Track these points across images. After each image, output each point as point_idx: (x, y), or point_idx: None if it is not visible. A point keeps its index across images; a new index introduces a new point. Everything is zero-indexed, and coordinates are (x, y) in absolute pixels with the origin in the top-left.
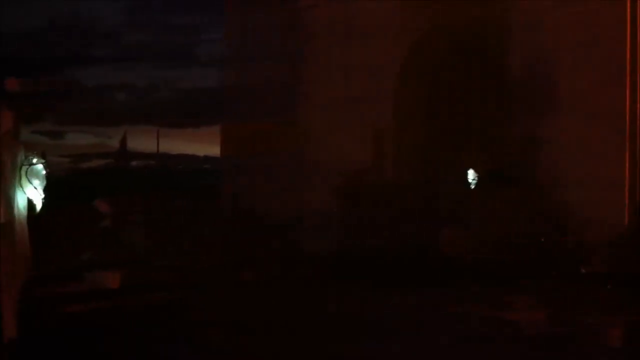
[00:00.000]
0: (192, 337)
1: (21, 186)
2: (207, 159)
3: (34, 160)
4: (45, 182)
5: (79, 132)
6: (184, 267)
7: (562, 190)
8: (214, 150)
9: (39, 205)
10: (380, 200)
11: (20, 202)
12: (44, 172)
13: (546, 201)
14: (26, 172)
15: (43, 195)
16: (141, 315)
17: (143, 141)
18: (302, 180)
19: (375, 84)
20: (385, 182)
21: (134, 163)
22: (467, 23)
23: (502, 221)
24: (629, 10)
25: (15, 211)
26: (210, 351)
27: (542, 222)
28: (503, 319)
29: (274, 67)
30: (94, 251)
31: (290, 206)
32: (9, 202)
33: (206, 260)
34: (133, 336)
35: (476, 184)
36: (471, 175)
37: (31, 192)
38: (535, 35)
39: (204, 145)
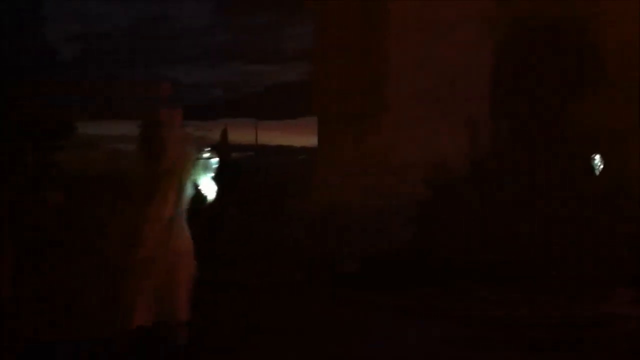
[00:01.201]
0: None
1: (194, 179)
2: (303, 149)
3: (207, 154)
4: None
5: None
6: (277, 260)
7: None
8: (310, 141)
9: (210, 197)
10: (473, 193)
11: (188, 195)
12: (215, 164)
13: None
14: (201, 166)
15: (216, 187)
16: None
17: (242, 134)
18: (394, 172)
19: (465, 75)
20: (478, 175)
21: (234, 155)
22: (560, 13)
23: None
24: None
25: (185, 204)
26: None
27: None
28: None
29: (363, 59)
30: None
31: (381, 199)
32: (181, 195)
33: (300, 252)
34: None
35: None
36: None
37: (206, 185)
38: (628, 26)
39: (299, 136)
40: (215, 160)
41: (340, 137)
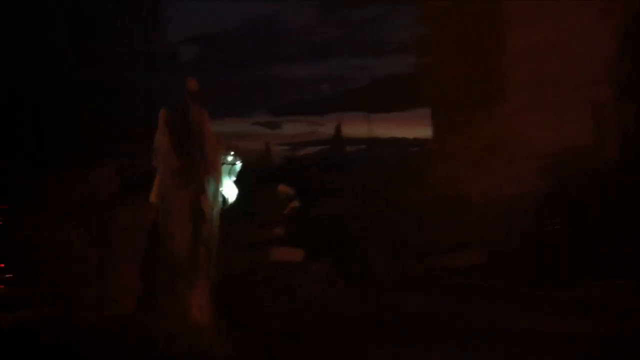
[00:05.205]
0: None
1: (222, 182)
2: (415, 141)
3: (230, 158)
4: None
5: (294, 122)
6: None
7: None
8: (422, 133)
9: (233, 198)
10: (594, 183)
11: (219, 196)
12: (239, 168)
13: None
14: (229, 171)
15: (237, 190)
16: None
17: (353, 127)
18: (510, 162)
19: (584, 60)
20: (601, 164)
21: (347, 149)
22: None
23: None
24: None
25: (218, 204)
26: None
27: None
28: None
29: (475, 49)
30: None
31: (497, 189)
32: (215, 196)
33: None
34: None
35: None
36: None
37: (228, 187)
38: None
39: (412, 128)
40: (238, 165)
41: (455, 127)
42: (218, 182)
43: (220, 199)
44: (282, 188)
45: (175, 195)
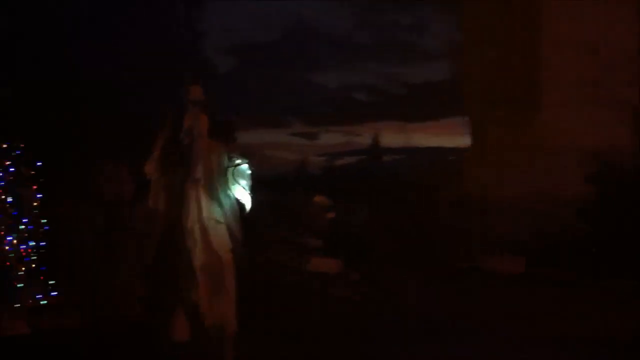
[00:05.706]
0: None
1: (229, 188)
2: (453, 150)
3: (238, 161)
4: (250, 181)
5: (330, 132)
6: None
7: None
8: (459, 141)
9: (248, 204)
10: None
11: (229, 202)
12: (249, 171)
13: None
14: (233, 174)
15: (251, 194)
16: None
17: (389, 137)
18: (547, 164)
19: (622, 61)
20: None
21: (384, 158)
22: None
23: None
24: None
25: (225, 212)
26: None
27: None
28: None
29: (509, 53)
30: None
31: (533, 191)
32: (219, 204)
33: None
34: None
35: None
36: None
37: (240, 192)
38: None
39: (448, 137)
40: (246, 167)
41: (492, 131)
42: (219, 187)
43: (229, 205)
44: (318, 199)
45: (169, 201)
